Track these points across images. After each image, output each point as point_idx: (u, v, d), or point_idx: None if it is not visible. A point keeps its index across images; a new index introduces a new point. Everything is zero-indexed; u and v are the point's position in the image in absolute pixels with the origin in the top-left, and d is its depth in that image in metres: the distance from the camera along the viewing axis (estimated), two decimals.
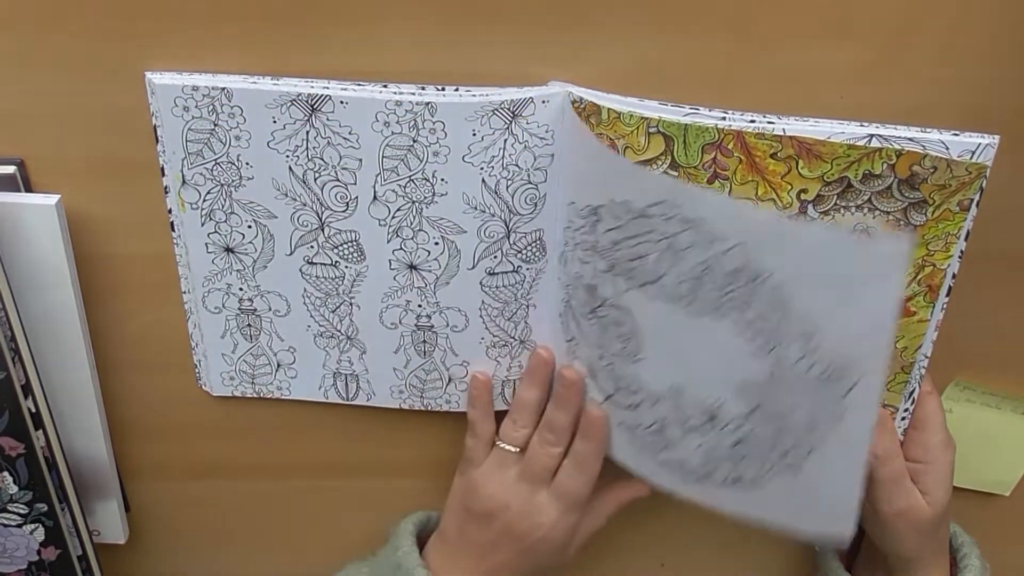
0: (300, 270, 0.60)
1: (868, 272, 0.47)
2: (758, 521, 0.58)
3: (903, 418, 0.60)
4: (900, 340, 0.58)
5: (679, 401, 0.56)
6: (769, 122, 0.52)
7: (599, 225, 0.54)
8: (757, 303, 0.50)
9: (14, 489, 0.60)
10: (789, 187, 0.54)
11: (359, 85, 0.54)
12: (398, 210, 0.57)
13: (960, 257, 0.53)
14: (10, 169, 0.56)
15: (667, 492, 0.61)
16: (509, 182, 0.56)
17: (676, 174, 0.54)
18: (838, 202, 0.54)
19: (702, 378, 0.55)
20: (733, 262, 0.49)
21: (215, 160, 0.56)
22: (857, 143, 0.51)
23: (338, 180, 0.57)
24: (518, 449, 0.63)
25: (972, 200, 0.52)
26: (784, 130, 0.51)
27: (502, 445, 0.63)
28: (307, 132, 0.55)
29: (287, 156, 0.56)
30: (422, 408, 0.66)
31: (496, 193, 0.57)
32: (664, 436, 0.58)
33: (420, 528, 0.68)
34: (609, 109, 0.53)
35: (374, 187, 0.57)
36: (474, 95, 0.54)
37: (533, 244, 0.59)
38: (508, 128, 0.55)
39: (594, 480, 0.62)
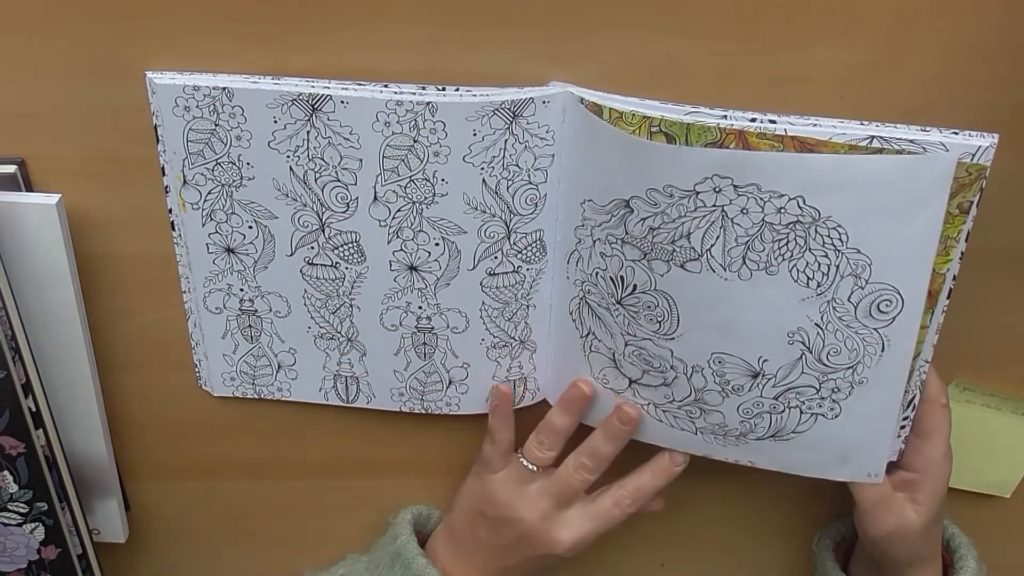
0: (300, 271, 0.60)
1: (919, 192, 0.50)
2: (795, 469, 0.61)
3: (901, 426, 0.60)
4: None
5: (720, 368, 0.57)
6: (771, 121, 0.52)
7: (630, 217, 0.54)
8: (812, 249, 0.52)
9: (14, 488, 0.60)
10: None
11: (360, 85, 0.54)
12: (398, 211, 0.57)
13: (960, 259, 0.53)
14: (11, 168, 0.56)
15: (701, 455, 0.63)
16: (509, 182, 0.56)
17: None
18: None
19: (747, 340, 0.56)
20: (789, 216, 0.52)
21: (216, 160, 0.56)
22: (858, 144, 0.51)
23: (338, 180, 0.57)
24: (539, 469, 0.63)
25: (972, 202, 0.51)
26: (786, 130, 0.51)
27: (524, 462, 0.63)
28: (308, 132, 0.55)
29: (288, 156, 0.56)
30: (422, 411, 0.66)
31: (496, 193, 0.57)
32: (701, 404, 0.59)
33: (418, 521, 0.68)
34: (611, 108, 0.53)
35: (374, 187, 0.57)
36: (475, 95, 0.54)
37: (533, 244, 0.59)
38: (509, 128, 0.55)
39: None
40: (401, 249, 0.59)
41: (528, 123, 0.55)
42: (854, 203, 0.51)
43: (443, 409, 0.66)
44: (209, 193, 0.58)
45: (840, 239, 0.52)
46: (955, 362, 0.65)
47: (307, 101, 0.54)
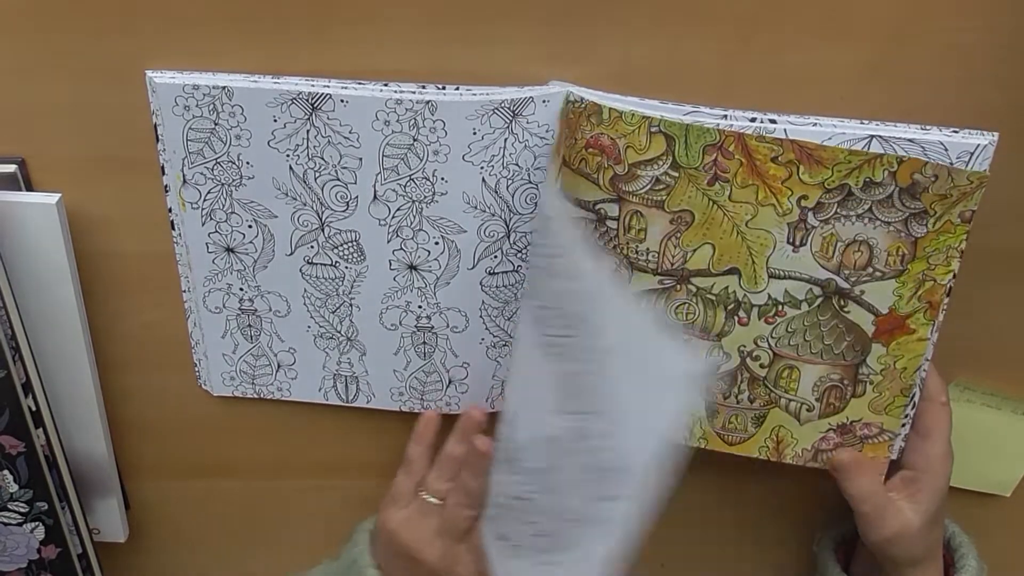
0: (300, 270, 0.60)
1: (669, 375, 0.46)
2: None
3: (902, 424, 0.60)
4: (900, 360, 0.58)
5: (510, 432, 0.55)
6: (771, 120, 0.52)
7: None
8: (583, 359, 0.50)
9: (14, 487, 0.60)
10: (789, 193, 0.54)
11: (359, 84, 0.54)
12: (398, 210, 0.57)
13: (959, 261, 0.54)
14: (11, 168, 0.56)
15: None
16: (509, 181, 0.56)
17: (677, 175, 0.54)
18: (839, 211, 0.54)
19: (523, 413, 0.54)
20: (578, 304, 0.49)
21: (215, 159, 0.56)
22: (858, 148, 0.51)
23: (338, 179, 0.57)
24: (440, 501, 0.62)
25: (973, 212, 0.52)
26: (786, 131, 0.51)
27: (425, 496, 0.62)
28: (307, 131, 0.55)
29: (287, 155, 0.56)
30: (423, 411, 0.66)
31: (496, 192, 0.57)
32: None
33: None
34: (610, 108, 0.53)
35: (374, 186, 0.57)
36: (474, 94, 0.54)
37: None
38: (508, 127, 0.55)
39: None
40: (401, 248, 0.59)
41: (528, 122, 0.55)
42: (618, 337, 0.47)
43: (443, 409, 0.66)
44: (209, 192, 0.58)
45: (604, 367, 0.49)
46: (955, 362, 0.65)
47: (307, 100, 0.54)
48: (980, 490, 0.72)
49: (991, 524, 0.71)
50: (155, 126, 0.55)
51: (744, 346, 0.59)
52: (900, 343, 0.58)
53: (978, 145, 0.50)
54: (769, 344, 0.59)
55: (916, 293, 0.56)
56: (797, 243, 0.55)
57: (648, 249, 0.57)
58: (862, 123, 0.52)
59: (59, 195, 0.56)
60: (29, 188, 0.57)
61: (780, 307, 0.57)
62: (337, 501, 0.72)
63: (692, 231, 0.56)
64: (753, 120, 0.52)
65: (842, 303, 0.57)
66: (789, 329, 0.58)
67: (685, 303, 0.58)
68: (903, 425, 0.60)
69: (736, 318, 0.58)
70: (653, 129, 0.53)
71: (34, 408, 0.58)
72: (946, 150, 0.51)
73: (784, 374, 0.60)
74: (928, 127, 0.51)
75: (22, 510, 0.61)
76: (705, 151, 0.53)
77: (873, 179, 0.53)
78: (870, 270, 0.56)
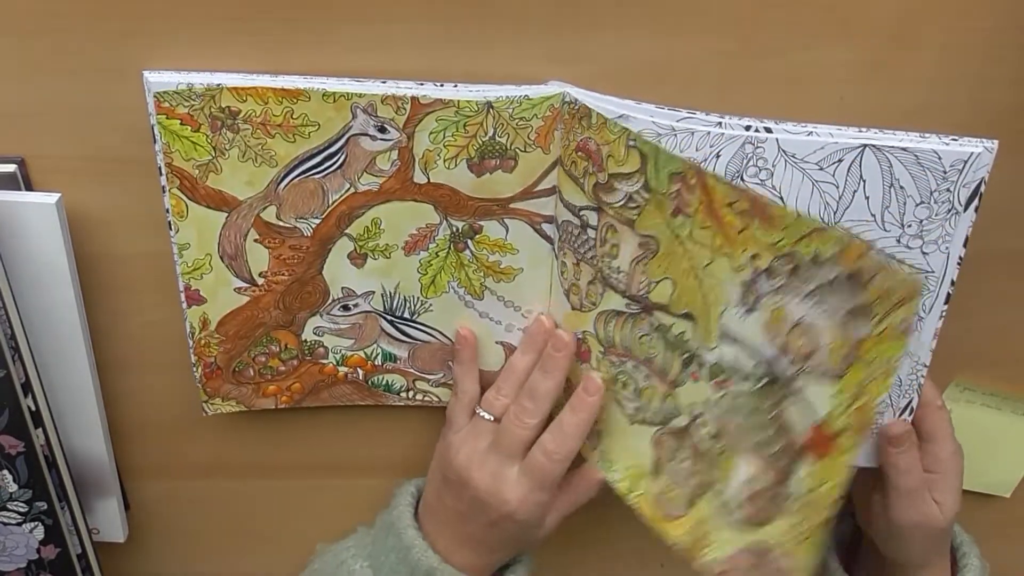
0: None
1: None
2: None
3: None
4: (825, 483, 0.48)
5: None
6: (767, 129, 0.51)
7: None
8: None
9: (14, 487, 0.60)
10: (744, 248, 0.48)
11: (357, 82, 0.54)
12: None
13: (959, 263, 0.52)
14: (11, 168, 0.56)
15: None
16: None
17: (648, 196, 0.51)
18: (789, 281, 0.46)
19: None
20: None
21: None
22: (850, 158, 0.50)
23: None
24: (494, 418, 0.60)
25: (912, 325, 0.44)
26: (778, 140, 0.50)
27: (480, 412, 0.60)
28: None
29: None
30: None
31: None
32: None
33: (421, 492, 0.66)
34: (598, 114, 0.52)
35: None
36: (471, 92, 0.54)
37: None
38: None
39: (571, 459, 0.58)
40: None
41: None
42: None
43: None
44: None
45: None
46: (955, 362, 0.65)
47: None
48: (980, 491, 0.72)
49: (991, 524, 0.71)
50: (152, 126, 0.55)
51: (694, 405, 0.54)
52: (826, 464, 0.48)
53: (972, 153, 0.49)
54: (715, 414, 0.53)
55: (850, 407, 0.46)
56: (749, 306, 0.49)
57: (619, 268, 0.55)
58: (860, 131, 0.51)
59: (59, 195, 0.56)
60: (29, 188, 0.57)
61: (729, 377, 0.51)
62: (336, 501, 0.72)
63: (656, 261, 0.53)
64: (748, 128, 0.51)
65: (784, 394, 0.49)
66: (734, 405, 0.52)
67: (648, 335, 0.55)
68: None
69: (689, 370, 0.53)
70: (630, 143, 0.51)
71: (33, 408, 0.58)
72: (939, 159, 0.49)
73: (723, 455, 0.53)
74: (926, 134, 0.50)
75: (21, 510, 0.61)
76: (671, 179, 0.50)
77: (821, 255, 0.45)
78: (813, 363, 0.47)
